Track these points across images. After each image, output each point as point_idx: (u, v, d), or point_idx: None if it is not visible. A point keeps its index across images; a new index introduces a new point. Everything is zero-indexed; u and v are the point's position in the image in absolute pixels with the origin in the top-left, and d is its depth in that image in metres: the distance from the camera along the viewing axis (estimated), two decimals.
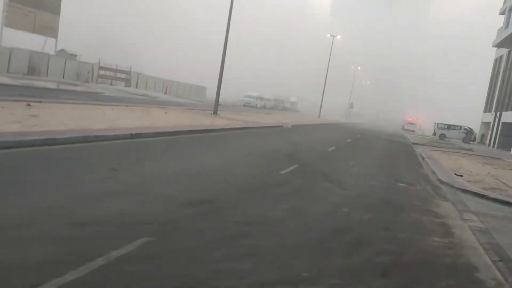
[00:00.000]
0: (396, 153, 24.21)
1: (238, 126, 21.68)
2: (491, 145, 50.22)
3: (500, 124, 48.35)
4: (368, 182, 12.31)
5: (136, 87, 54.15)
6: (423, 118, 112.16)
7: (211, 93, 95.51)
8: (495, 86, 55.76)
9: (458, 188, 13.20)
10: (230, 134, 18.99)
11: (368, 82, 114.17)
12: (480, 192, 12.64)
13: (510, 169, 23.92)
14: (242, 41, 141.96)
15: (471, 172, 18.84)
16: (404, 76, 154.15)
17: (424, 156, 23.04)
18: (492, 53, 61.17)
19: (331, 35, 57.05)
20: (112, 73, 50.55)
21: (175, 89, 62.42)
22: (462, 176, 16.51)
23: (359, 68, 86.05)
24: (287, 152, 15.69)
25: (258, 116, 36.10)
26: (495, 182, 16.01)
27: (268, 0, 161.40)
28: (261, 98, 71.12)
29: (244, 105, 67.22)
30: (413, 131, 77.32)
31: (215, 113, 27.03)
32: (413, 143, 35.65)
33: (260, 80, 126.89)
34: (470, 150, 38.76)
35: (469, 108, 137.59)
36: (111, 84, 48.35)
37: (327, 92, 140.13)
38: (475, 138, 52.86)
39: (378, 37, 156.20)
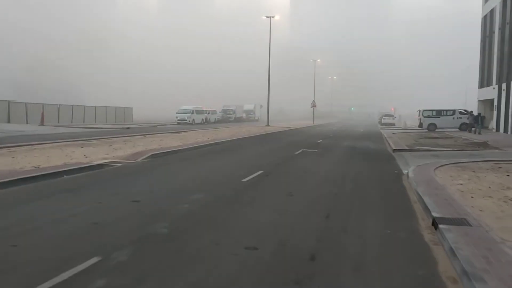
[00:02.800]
0: (352, 210, 8.78)
1: None
2: (502, 130, 35.41)
3: (511, 98, 33.59)
4: None
5: (9, 120, 38.42)
6: (404, 109, 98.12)
7: (150, 114, 79.89)
8: (490, 52, 41.19)
9: None
10: None
11: (334, 77, 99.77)
12: None
13: None
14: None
15: None
16: (378, 67, 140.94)
17: (433, 203, 7.79)
18: (460, 23, 47.10)
19: (267, 16, 41.87)
20: None
21: (79, 114, 46.75)
22: None
23: (318, 60, 71.32)
24: None
25: (112, 144, 20.25)
26: None
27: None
28: (200, 112, 55.66)
29: (178, 123, 51.89)
30: (392, 124, 62.64)
31: None
32: (395, 150, 20.43)
33: (227, 90, 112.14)
34: (486, 144, 23.79)
35: (455, 90, 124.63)
36: None
37: (294, 94, 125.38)
38: (482, 122, 36.26)
39: (344, 30, 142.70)
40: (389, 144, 24.82)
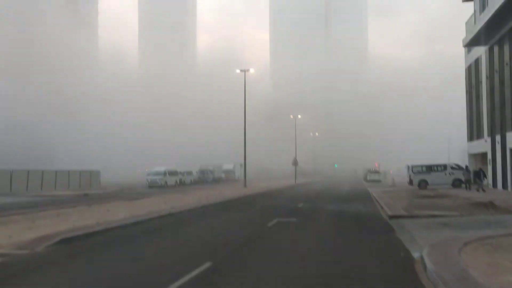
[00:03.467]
0: None
1: None
2: (501, 186, 31.99)
3: (509, 151, 30.45)
4: None
5: None
6: (388, 165, 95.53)
7: (128, 176, 75.25)
8: (477, 102, 38.75)
9: None
10: None
11: (316, 133, 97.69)
12: None
13: None
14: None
15: None
16: (361, 122, 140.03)
17: None
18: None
19: (241, 70, 39.18)
20: None
21: (37, 181, 42.20)
22: None
23: (299, 116, 69.05)
24: None
25: None
26: None
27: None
28: (173, 173, 51.56)
29: (150, 186, 47.69)
30: (379, 180, 59.31)
31: None
32: (392, 217, 16.51)
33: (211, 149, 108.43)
34: (493, 205, 20.05)
35: (438, 144, 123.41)
36: None
37: (276, 151, 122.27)
38: (484, 177, 32.50)
39: (325, 84, 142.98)
40: (381, 206, 20.98)
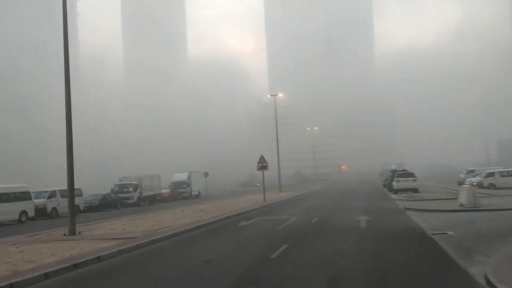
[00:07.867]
0: None
1: None
2: None
3: None
4: None
5: None
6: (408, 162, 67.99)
7: None
8: None
9: None
10: None
11: (315, 128, 71.68)
12: None
13: None
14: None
15: None
16: (367, 121, 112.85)
17: None
18: None
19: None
20: None
21: None
22: None
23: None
24: None
25: None
26: None
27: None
28: (11, 198, 24.78)
29: None
30: (416, 189, 32.35)
31: None
32: None
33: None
34: None
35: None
36: None
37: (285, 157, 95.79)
38: None
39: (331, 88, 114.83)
40: None
